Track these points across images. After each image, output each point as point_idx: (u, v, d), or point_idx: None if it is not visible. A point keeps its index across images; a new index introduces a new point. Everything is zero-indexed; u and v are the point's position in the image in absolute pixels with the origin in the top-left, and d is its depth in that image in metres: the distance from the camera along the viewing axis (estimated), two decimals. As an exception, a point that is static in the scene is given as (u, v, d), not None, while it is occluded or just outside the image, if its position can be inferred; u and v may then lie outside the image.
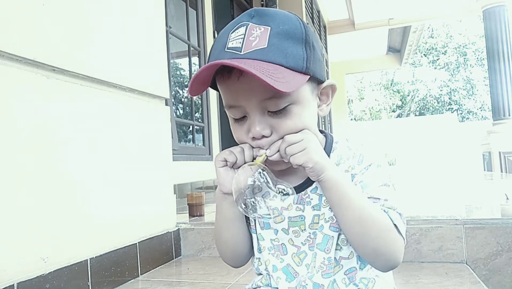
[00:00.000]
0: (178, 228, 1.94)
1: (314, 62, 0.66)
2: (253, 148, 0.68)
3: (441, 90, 22.34)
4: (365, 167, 0.71)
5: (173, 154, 2.00)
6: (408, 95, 23.82)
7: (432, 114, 21.12)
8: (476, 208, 2.07)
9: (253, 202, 0.66)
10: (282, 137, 0.66)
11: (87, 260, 1.34)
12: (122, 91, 1.62)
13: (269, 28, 0.62)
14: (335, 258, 0.72)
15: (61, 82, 1.31)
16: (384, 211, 0.68)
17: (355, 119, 22.35)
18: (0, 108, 1.09)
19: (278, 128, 0.66)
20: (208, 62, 0.63)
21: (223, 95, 0.68)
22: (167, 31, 3.20)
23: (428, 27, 20.40)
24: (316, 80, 0.69)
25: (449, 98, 22.15)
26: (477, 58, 21.14)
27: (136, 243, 1.60)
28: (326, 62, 8.48)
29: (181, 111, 4.30)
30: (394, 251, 0.67)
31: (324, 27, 8.45)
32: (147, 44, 1.82)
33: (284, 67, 0.61)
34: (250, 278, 0.88)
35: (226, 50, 0.64)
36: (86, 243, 1.36)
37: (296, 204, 0.73)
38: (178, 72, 4.32)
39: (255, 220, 0.78)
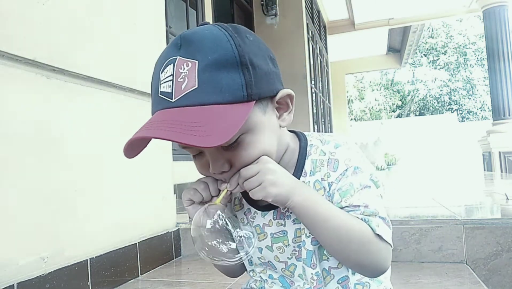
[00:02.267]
0: (178, 228, 1.94)
1: (257, 83, 0.59)
2: (217, 180, 0.66)
3: (441, 90, 22.35)
4: (341, 173, 0.67)
5: (173, 154, 2.00)
6: (408, 95, 23.83)
7: (432, 114, 21.13)
8: (476, 208, 2.07)
9: (214, 244, 0.61)
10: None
11: (87, 260, 1.34)
12: (122, 91, 1.62)
13: (196, 62, 0.56)
14: (324, 268, 0.71)
15: (61, 82, 1.31)
16: (365, 220, 0.64)
17: (355, 119, 22.35)
18: (0, 107, 1.09)
19: (234, 162, 0.62)
20: (151, 102, 0.62)
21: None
22: (167, 31, 3.20)
23: (428, 27, 20.41)
24: (268, 98, 0.63)
25: (449, 98, 22.15)
26: (477, 58, 21.15)
27: (136, 243, 1.60)
28: (326, 62, 8.48)
29: (181, 111, 4.30)
30: (378, 260, 0.65)
31: (324, 27, 8.45)
32: (147, 44, 1.82)
33: (221, 104, 0.55)
34: (249, 278, 0.88)
35: (159, 95, 0.59)
36: (86, 243, 1.36)
37: (276, 219, 0.70)
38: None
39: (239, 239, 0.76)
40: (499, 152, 5.99)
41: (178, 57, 0.57)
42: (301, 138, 0.72)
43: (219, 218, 0.62)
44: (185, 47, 0.58)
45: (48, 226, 1.21)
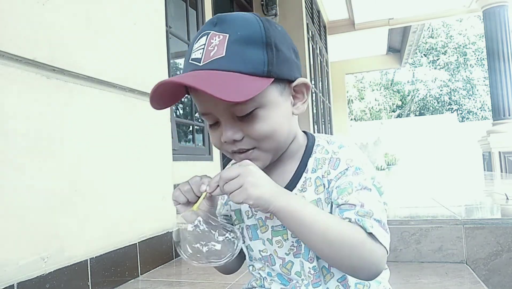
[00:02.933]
0: (178, 228, 1.93)
1: (278, 64, 0.64)
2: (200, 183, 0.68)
3: (441, 90, 22.35)
4: (340, 172, 0.68)
5: (173, 154, 2.00)
6: (408, 95, 23.83)
7: (432, 114, 21.12)
8: (476, 208, 2.07)
9: (197, 247, 0.62)
10: (251, 150, 0.67)
11: (87, 260, 1.34)
12: (122, 91, 1.62)
13: (227, 35, 0.62)
14: (324, 266, 0.72)
15: (61, 82, 1.31)
16: (357, 221, 0.63)
17: (355, 119, 22.35)
18: (0, 107, 1.09)
19: (248, 132, 0.65)
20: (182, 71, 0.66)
21: (195, 102, 0.70)
22: (167, 31, 3.20)
23: (428, 27, 20.41)
24: (287, 81, 0.68)
25: (449, 98, 22.15)
26: (477, 58, 21.14)
27: (136, 243, 1.60)
28: (326, 62, 8.47)
29: (181, 111, 4.30)
30: (372, 262, 0.63)
31: (324, 27, 8.45)
32: (147, 44, 1.82)
33: (244, 73, 0.61)
34: (249, 278, 0.88)
35: (190, 62, 0.65)
36: (86, 243, 1.36)
37: None
38: (178, 72, 4.31)
39: (242, 230, 0.77)
40: (499, 152, 5.98)
41: (211, 31, 0.64)
42: (310, 138, 0.76)
43: (199, 223, 0.63)
44: (220, 24, 0.64)
45: (48, 226, 1.21)
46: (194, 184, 0.66)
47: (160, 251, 1.77)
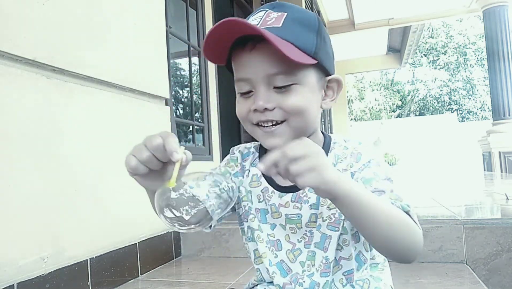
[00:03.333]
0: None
1: (323, 53, 0.68)
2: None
3: (441, 90, 22.35)
4: (364, 164, 0.71)
5: (173, 154, 2.00)
6: (408, 95, 23.83)
7: (432, 114, 21.12)
8: (476, 208, 2.07)
9: (178, 215, 0.58)
10: (278, 124, 0.67)
11: (87, 260, 1.34)
12: (122, 91, 1.62)
13: (286, 13, 0.67)
14: (335, 258, 0.72)
15: (61, 82, 1.31)
16: (394, 203, 0.64)
17: (355, 119, 22.35)
18: (1, 107, 1.09)
19: (282, 104, 0.66)
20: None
21: (234, 69, 0.71)
22: (167, 31, 3.20)
23: (428, 27, 20.41)
24: (324, 72, 0.71)
25: (449, 98, 22.15)
26: (477, 58, 21.14)
27: (136, 243, 1.60)
28: (326, 62, 8.47)
29: (181, 111, 4.30)
30: (419, 242, 0.65)
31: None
32: (147, 44, 1.82)
33: (294, 45, 0.64)
34: (250, 278, 0.88)
35: None
36: (86, 243, 1.36)
37: (293, 202, 0.73)
38: (178, 72, 4.31)
39: (250, 209, 0.77)
40: (499, 152, 5.98)
41: (270, 10, 0.69)
42: (325, 136, 0.78)
43: (176, 198, 0.58)
44: (278, 7, 0.69)
45: (48, 226, 1.21)
46: (156, 150, 0.56)
47: (160, 251, 1.77)
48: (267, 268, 0.76)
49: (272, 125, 0.68)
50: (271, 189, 0.75)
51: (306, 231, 0.73)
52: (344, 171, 0.72)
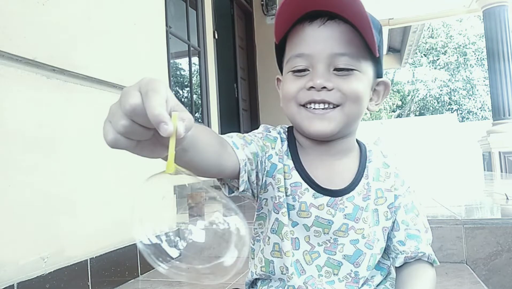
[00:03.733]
0: (178, 228, 1.93)
1: (381, 52, 0.67)
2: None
3: (441, 90, 22.34)
4: (406, 189, 0.74)
5: (173, 154, 2.00)
6: (408, 95, 23.82)
7: (432, 114, 21.11)
8: (476, 208, 2.07)
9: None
10: (332, 108, 0.64)
11: (87, 260, 1.34)
12: (122, 91, 1.62)
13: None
14: (367, 277, 0.73)
15: (61, 82, 1.31)
16: (430, 257, 0.72)
17: (355, 119, 22.28)
18: (0, 107, 1.09)
19: (342, 86, 0.64)
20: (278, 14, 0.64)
21: (292, 44, 0.67)
22: (167, 31, 3.20)
23: (428, 27, 20.39)
24: (375, 72, 0.69)
25: (449, 98, 22.14)
26: (477, 58, 21.13)
27: (136, 243, 1.60)
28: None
29: (181, 111, 4.30)
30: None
31: (324, 27, 8.44)
32: (147, 44, 1.82)
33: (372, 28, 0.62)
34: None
35: None
36: (86, 243, 1.36)
37: (328, 206, 0.70)
38: (178, 72, 4.31)
39: (276, 198, 0.70)
40: (499, 152, 5.98)
41: None
42: (360, 144, 0.77)
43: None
44: None
45: (48, 226, 1.21)
46: (135, 115, 0.36)
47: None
48: (286, 266, 0.70)
49: (324, 108, 0.65)
50: (305, 185, 0.70)
51: (330, 238, 0.70)
52: (387, 191, 0.73)
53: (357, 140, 0.76)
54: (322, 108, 0.65)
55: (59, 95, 1.30)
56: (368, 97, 0.69)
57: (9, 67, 1.12)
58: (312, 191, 0.70)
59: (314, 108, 0.65)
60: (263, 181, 0.70)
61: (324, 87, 0.63)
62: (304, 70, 0.66)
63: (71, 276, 1.26)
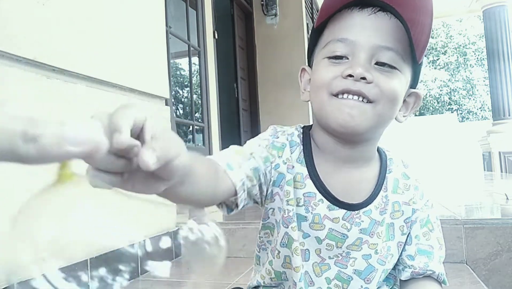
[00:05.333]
0: (178, 228, 1.93)
1: (422, 61, 0.64)
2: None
3: (441, 90, 22.34)
4: (425, 204, 0.70)
5: (173, 154, 2.00)
6: (408, 95, 23.80)
7: (432, 114, 21.11)
8: (476, 208, 2.07)
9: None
10: (366, 103, 0.59)
11: (87, 260, 1.34)
12: (122, 91, 1.62)
13: None
14: None
15: (61, 82, 1.31)
16: (440, 277, 0.70)
17: (355, 119, 22.30)
18: (0, 107, 1.09)
19: (381, 82, 0.59)
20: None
21: (334, 29, 0.63)
22: (167, 31, 3.20)
23: (428, 27, 20.35)
24: (411, 81, 0.65)
25: (449, 98, 22.14)
26: (477, 58, 21.13)
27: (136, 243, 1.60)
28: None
29: (181, 111, 4.30)
30: None
31: (324, 27, 8.44)
32: (147, 44, 1.82)
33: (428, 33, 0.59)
34: (249, 278, 0.87)
35: None
36: (86, 243, 1.36)
37: (344, 220, 0.66)
38: (178, 72, 4.31)
39: (285, 212, 0.66)
40: (499, 152, 5.98)
41: None
42: (381, 151, 0.72)
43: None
44: None
45: (48, 226, 1.21)
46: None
47: (160, 251, 1.77)
48: (295, 281, 0.68)
49: (358, 101, 0.59)
50: (319, 196, 0.65)
51: (343, 251, 0.67)
52: (405, 204, 0.69)
53: (377, 147, 0.72)
54: (358, 101, 0.59)
55: (59, 95, 1.30)
56: (399, 104, 0.63)
57: (9, 67, 1.12)
58: (327, 202, 0.65)
59: (347, 99, 0.59)
60: (269, 191, 0.66)
61: (363, 78, 0.58)
62: (342, 57, 0.61)
63: (71, 276, 1.26)
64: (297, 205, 0.66)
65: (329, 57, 0.62)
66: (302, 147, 0.67)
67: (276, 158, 0.66)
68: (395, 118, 0.65)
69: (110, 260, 1.45)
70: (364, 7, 0.61)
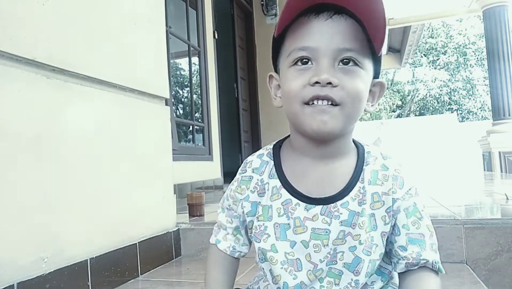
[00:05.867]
0: (178, 228, 1.94)
1: (381, 52, 0.67)
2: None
3: (441, 90, 22.34)
4: (406, 192, 0.70)
5: (173, 154, 2.00)
6: (408, 95, 23.82)
7: (432, 114, 21.11)
8: (476, 208, 2.07)
9: None
10: (333, 106, 0.63)
11: (87, 260, 1.34)
12: (122, 91, 1.62)
13: None
14: (367, 282, 0.71)
15: (61, 82, 1.31)
16: (434, 265, 0.69)
17: (355, 119, 22.28)
18: (0, 108, 1.09)
19: (345, 84, 0.63)
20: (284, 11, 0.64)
21: (295, 38, 0.66)
22: (167, 31, 3.20)
23: (428, 27, 20.39)
24: (374, 72, 0.69)
25: (449, 98, 22.14)
26: (477, 58, 21.13)
27: (136, 243, 1.60)
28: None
29: (181, 111, 4.30)
30: None
31: (324, 27, 8.44)
32: (147, 44, 1.82)
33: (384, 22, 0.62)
34: (250, 278, 0.88)
35: None
36: (86, 243, 1.36)
37: (323, 215, 0.69)
38: (178, 72, 4.31)
39: (266, 229, 0.73)
40: (499, 152, 5.98)
41: None
42: (356, 142, 0.75)
43: None
44: None
45: (48, 226, 1.21)
46: None
47: (160, 251, 1.77)
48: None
49: (327, 105, 0.63)
50: (295, 200, 0.70)
51: (331, 249, 0.69)
52: (384, 195, 0.69)
53: (354, 142, 0.75)
54: (328, 105, 0.63)
55: (59, 95, 1.30)
56: (366, 98, 0.68)
57: (9, 67, 1.12)
58: (303, 204, 0.70)
59: (318, 105, 0.63)
60: (248, 221, 0.76)
61: (329, 83, 0.62)
62: (307, 62, 0.65)
63: (71, 276, 1.26)
64: (279, 215, 0.71)
65: (295, 65, 0.66)
66: (272, 162, 0.75)
67: (246, 190, 0.76)
68: (364, 110, 0.69)
69: (110, 259, 1.46)
70: (320, 12, 0.63)
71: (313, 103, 0.64)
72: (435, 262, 0.68)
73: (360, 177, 0.70)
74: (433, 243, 0.70)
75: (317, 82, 0.62)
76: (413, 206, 0.70)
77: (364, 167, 0.71)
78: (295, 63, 0.66)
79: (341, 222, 0.69)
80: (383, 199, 0.70)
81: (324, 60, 0.63)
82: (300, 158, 0.72)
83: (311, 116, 0.64)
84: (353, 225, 0.69)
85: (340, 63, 0.63)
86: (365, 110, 0.69)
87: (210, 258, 0.84)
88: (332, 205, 0.69)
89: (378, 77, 0.70)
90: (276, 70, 0.74)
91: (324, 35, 0.63)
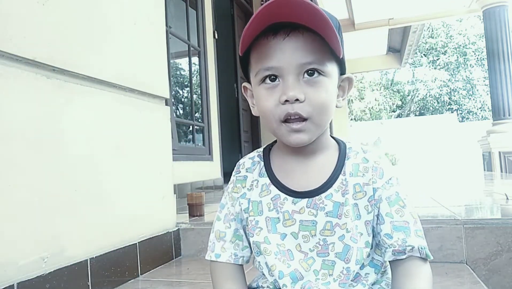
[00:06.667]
0: (178, 228, 1.94)
1: (343, 50, 0.69)
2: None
3: (441, 90, 22.35)
4: (386, 181, 0.73)
5: (173, 154, 2.00)
6: (408, 95, 23.84)
7: (432, 114, 21.13)
8: (476, 208, 2.07)
9: None
10: (304, 120, 0.68)
11: (87, 260, 1.34)
12: (122, 91, 1.62)
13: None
14: (358, 272, 0.73)
15: (61, 82, 1.31)
16: (421, 250, 0.70)
17: (355, 119, 22.35)
18: (0, 107, 1.09)
19: (311, 97, 0.67)
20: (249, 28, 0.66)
21: (259, 58, 0.69)
22: (167, 31, 3.20)
23: (428, 27, 20.40)
24: (340, 70, 0.73)
25: (449, 98, 22.16)
26: (477, 58, 21.15)
27: (136, 243, 1.60)
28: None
29: (181, 111, 4.30)
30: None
31: (324, 27, 8.44)
32: (147, 44, 1.82)
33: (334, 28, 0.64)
34: (250, 278, 0.88)
35: None
36: (86, 243, 1.36)
37: (309, 207, 0.73)
38: (178, 72, 4.31)
39: (257, 223, 0.77)
40: (499, 152, 5.98)
41: None
42: (340, 142, 0.79)
43: None
44: None
45: (48, 226, 1.21)
46: None
47: (160, 251, 1.77)
48: (278, 281, 0.75)
49: (299, 121, 0.68)
50: (283, 195, 0.75)
51: (319, 239, 0.73)
52: (366, 185, 0.73)
53: (336, 139, 0.79)
54: (298, 122, 0.68)
55: (59, 95, 1.30)
56: (335, 100, 0.72)
57: (9, 67, 1.12)
58: (290, 198, 0.75)
59: (291, 122, 0.68)
60: (245, 218, 0.79)
61: (297, 100, 0.66)
62: (275, 80, 0.69)
63: (71, 276, 1.26)
64: (269, 210, 0.76)
65: (264, 83, 0.70)
66: (262, 163, 0.81)
67: (241, 188, 0.81)
68: (336, 106, 0.74)
69: (110, 259, 1.46)
70: (277, 31, 0.67)
71: (287, 121, 0.68)
72: (421, 248, 0.70)
73: (342, 170, 0.74)
74: (418, 230, 0.72)
75: (286, 100, 0.66)
76: (395, 194, 0.73)
77: (345, 161, 0.75)
78: (264, 81, 0.70)
79: (326, 213, 0.72)
80: (365, 190, 0.73)
81: (289, 77, 0.67)
82: (287, 157, 0.78)
83: (287, 134, 0.69)
84: (339, 216, 0.72)
85: (305, 75, 0.67)
86: (336, 106, 0.73)
87: (215, 275, 0.83)
88: (317, 197, 0.73)
89: (344, 73, 0.75)
90: (249, 81, 0.78)
91: (285, 53, 0.66)
